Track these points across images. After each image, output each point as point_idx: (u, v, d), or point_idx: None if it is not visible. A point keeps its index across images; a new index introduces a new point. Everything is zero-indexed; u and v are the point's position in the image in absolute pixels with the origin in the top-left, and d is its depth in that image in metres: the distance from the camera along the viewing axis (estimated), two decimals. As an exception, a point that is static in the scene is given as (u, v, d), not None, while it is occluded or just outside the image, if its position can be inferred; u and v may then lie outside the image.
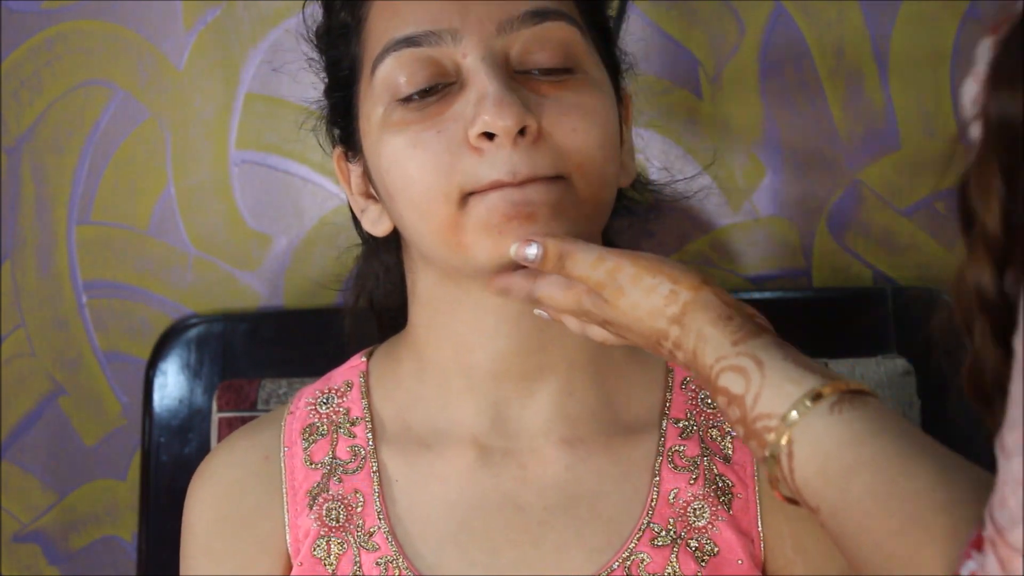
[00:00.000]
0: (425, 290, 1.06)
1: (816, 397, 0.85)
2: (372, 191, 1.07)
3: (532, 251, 0.94)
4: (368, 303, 1.18)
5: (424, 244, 1.01)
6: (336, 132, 1.11)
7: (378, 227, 1.08)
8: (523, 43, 1.00)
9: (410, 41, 1.00)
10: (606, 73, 1.05)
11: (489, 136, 0.96)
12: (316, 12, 1.12)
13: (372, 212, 1.08)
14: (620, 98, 1.08)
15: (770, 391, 0.86)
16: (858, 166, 1.45)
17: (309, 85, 1.16)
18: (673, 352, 0.92)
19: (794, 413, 0.84)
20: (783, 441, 0.84)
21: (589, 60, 1.03)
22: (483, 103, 0.96)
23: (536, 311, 1.01)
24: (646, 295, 0.92)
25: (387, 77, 1.00)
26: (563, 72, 1.01)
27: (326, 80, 1.12)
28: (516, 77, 0.99)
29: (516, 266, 0.98)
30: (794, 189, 1.46)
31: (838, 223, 1.46)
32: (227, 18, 1.48)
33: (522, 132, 0.96)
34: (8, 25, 1.50)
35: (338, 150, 1.11)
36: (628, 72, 1.14)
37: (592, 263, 0.93)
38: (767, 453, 0.85)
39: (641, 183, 1.18)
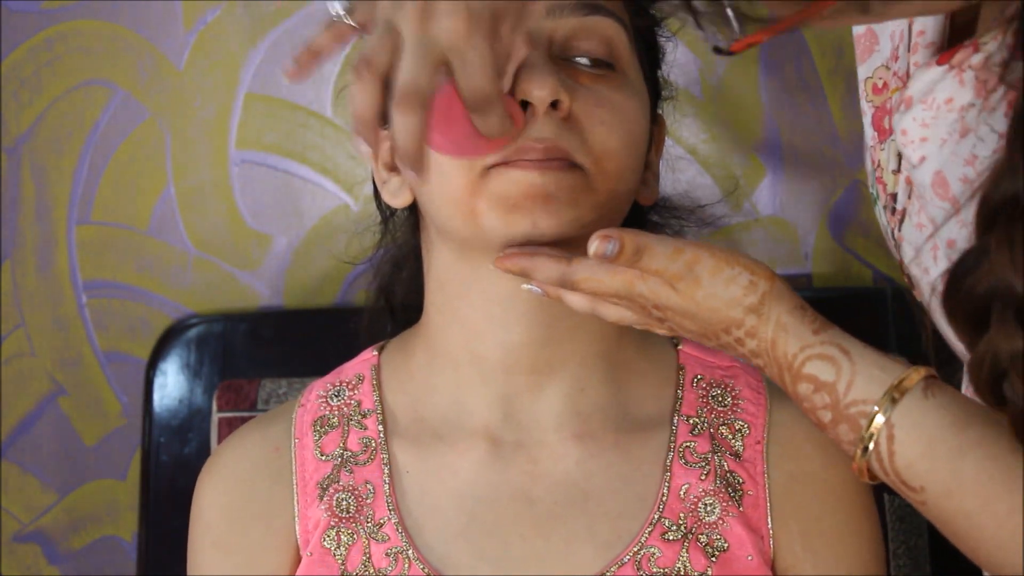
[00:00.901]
0: (439, 271, 1.06)
1: (906, 382, 0.89)
2: (396, 163, 1.06)
3: (611, 247, 0.93)
4: (385, 295, 1.18)
5: (440, 213, 1.01)
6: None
7: (398, 198, 1.08)
8: (568, 30, 1.00)
9: None
10: (645, 85, 1.05)
11: (523, 106, 0.96)
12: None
13: (393, 184, 1.08)
14: (654, 118, 1.08)
15: (862, 378, 0.90)
16: (858, 166, 1.45)
17: (310, 83, 1.16)
18: (744, 339, 0.94)
19: (889, 399, 0.89)
20: (882, 425, 0.88)
21: (630, 63, 1.03)
22: (521, 72, 0.96)
23: (525, 286, 1.00)
24: (726, 286, 0.93)
25: None
26: (603, 66, 1.01)
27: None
28: (556, 60, 0.99)
29: (522, 244, 0.98)
30: (794, 189, 1.46)
31: (838, 223, 1.46)
32: (227, 18, 1.48)
33: (554, 106, 0.96)
34: (8, 25, 1.50)
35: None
36: (669, 100, 1.14)
37: (670, 255, 0.93)
38: (864, 436, 0.89)
39: (665, 208, 1.18)
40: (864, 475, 0.91)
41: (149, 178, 1.50)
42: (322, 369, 1.15)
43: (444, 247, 1.05)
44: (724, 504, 1.04)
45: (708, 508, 1.04)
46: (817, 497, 0.96)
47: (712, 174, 1.46)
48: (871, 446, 0.89)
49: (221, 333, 1.47)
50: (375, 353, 1.13)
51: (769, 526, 1.05)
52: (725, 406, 1.08)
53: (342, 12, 0.91)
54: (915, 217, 1.00)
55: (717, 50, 0.86)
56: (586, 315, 1.04)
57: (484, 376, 1.05)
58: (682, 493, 1.04)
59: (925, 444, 0.88)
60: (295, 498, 1.07)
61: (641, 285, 0.94)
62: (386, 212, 1.15)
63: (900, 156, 1.02)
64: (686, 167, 1.45)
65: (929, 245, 0.97)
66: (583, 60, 1.01)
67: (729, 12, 0.79)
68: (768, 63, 1.45)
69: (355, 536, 1.05)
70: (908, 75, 0.99)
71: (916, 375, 0.90)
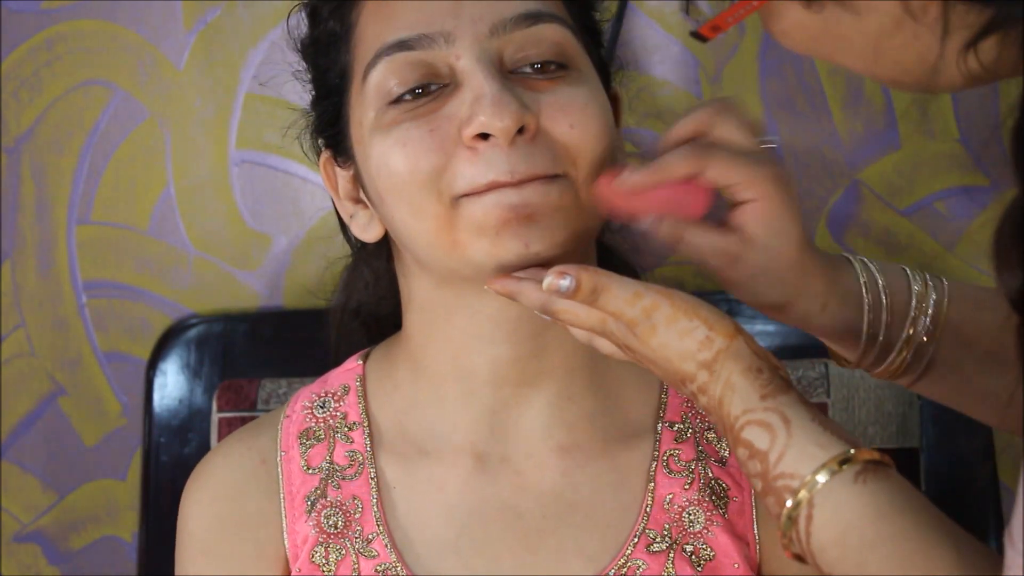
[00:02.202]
0: (420, 296, 1.05)
1: (841, 463, 0.85)
2: (362, 196, 1.06)
3: (565, 283, 0.92)
4: (356, 311, 1.17)
5: (418, 246, 1.00)
6: (322, 140, 1.10)
7: (368, 232, 1.06)
8: (516, 45, 0.99)
9: (402, 45, 0.98)
10: (596, 72, 1.05)
11: (484, 136, 0.95)
12: (301, 21, 1.11)
13: (362, 217, 1.06)
14: (610, 97, 1.08)
15: (795, 451, 0.86)
16: (858, 166, 1.45)
17: (309, 85, 1.16)
18: (696, 395, 0.91)
19: (819, 477, 0.85)
20: (803, 503, 0.85)
21: (582, 59, 1.02)
22: (480, 103, 0.95)
23: (490, 286, 0.99)
24: (680, 337, 0.90)
25: (379, 82, 0.99)
26: (557, 68, 1.00)
27: (312, 91, 1.10)
28: (510, 77, 0.98)
29: (517, 267, 0.97)
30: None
31: (838, 223, 1.46)
32: (227, 18, 1.48)
33: (520, 131, 0.95)
34: (8, 25, 1.50)
35: (325, 155, 1.09)
36: (622, 72, 1.13)
37: (628, 299, 0.91)
38: (785, 512, 0.86)
39: None
40: (787, 550, 0.87)
41: (149, 178, 1.50)
42: (322, 369, 1.15)
43: (424, 276, 1.04)
44: (709, 513, 1.04)
45: (693, 517, 1.04)
46: None
47: (712, 174, 1.46)
48: (791, 523, 0.85)
49: (221, 333, 1.47)
50: (360, 362, 1.12)
51: (755, 532, 1.04)
52: None
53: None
54: None
55: (693, 34, 0.86)
56: None
57: (470, 390, 1.04)
58: (666, 503, 1.04)
59: (839, 531, 0.84)
60: (283, 511, 1.06)
61: (611, 323, 0.93)
62: (356, 244, 1.14)
63: None
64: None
65: None
66: (536, 67, 0.99)
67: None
68: (768, 63, 1.45)
69: (343, 552, 1.04)
70: None
71: (858, 456, 0.85)
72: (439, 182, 0.96)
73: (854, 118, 1.45)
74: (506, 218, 0.95)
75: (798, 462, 0.85)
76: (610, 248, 1.13)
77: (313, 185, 1.49)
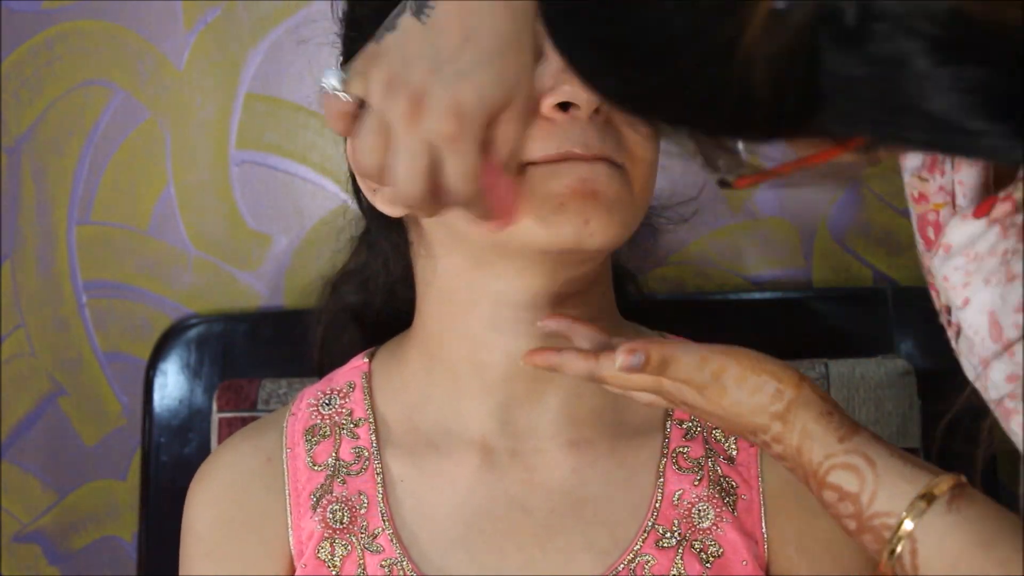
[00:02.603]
0: (442, 281, 1.03)
1: (931, 494, 0.88)
2: None
3: (637, 360, 0.92)
4: (356, 311, 1.16)
5: (460, 219, 0.97)
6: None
7: (395, 206, 1.02)
8: None
9: None
10: None
11: (564, 108, 0.95)
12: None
13: (388, 191, 1.01)
14: None
15: (886, 490, 0.89)
16: (858, 166, 1.45)
17: (310, 84, 1.16)
18: (769, 444, 0.93)
19: (914, 512, 0.87)
20: (904, 539, 0.87)
21: None
22: (564, 75, 0.93)
23: (544, 324, 1.01)
24: (751, 394, 0.92)
25: None
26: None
27: (342, 57, 1.06)
28: None
29: (568, 249, 0.96)
30: (794, 189, 1.46)
31: (838, 223, 1.46)
32: (227, 18, 1.48)
33: (597, 111, 0.95)
34: (8, 25, 1.50)
35: None
36: None
37: (696, 365, 0.93)
38: (887, 549, 0.88)
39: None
40: None
41: (149, 178, 1.50)
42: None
43: (455, 255, 1.02)
44: (718, 509, 1.04)
45: (702, 514, 1.04)
46: (812, 499, 0.95)
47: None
48: (895, 558, 0.88)
49: (221, 333, 1.47)
50: (366, 360, 1.11)
51: (763, 530, 1.04)
52: None
53: (338, 87, 0.89)
54: (964, 357, 0.96)
55: (722, 183, 0.84)
56: (590, 319, 1.03)
57: (484, 385, 1.04)
58: (676, 499, 1.04)
59: (949, 561, 0.87)
60: (288, 508, 1.06)
61: (668, 384, 0.95)
62: (370, 214, 1.11)
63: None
64: (686, 167, 1.45)
65: (980, 384, 0.93)
66: None
67: (740, 147, 0.77)
68: (768, 63, 1.45)
69: (349, 547, 1.04)
70: (953, 193, 0.95)
71: (944, 484, 0.88)
72: None
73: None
74: (574, 189, 0.94)
75: (891, 500, 0.88)
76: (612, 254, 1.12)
77: (313, 185, 1.49)
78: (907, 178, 1.01)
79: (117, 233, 1.51)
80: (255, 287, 1.50)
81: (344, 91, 0.88)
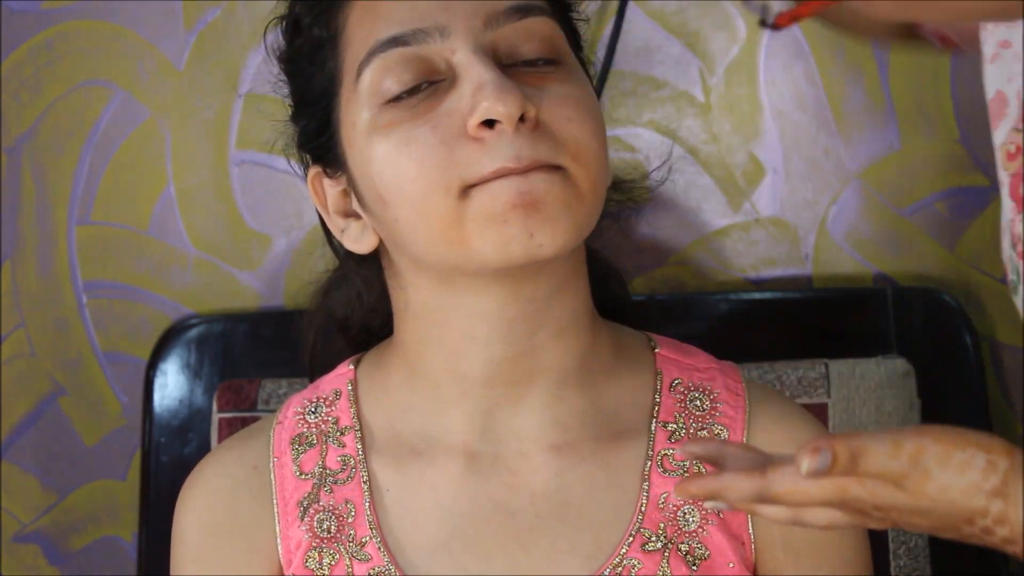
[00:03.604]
0: (416, 304, 1.04)
1: None
2: (354, 207, 1.05)
3: (823, 461, 0.81)
4: (343, 323, 1.16)
5: (421, 246, 0.99)
6: (309, 154, 1.09)
7: (362, 243, 1.05)
8: (508, 38, 0.99)
9: (397, 41, 0.98)
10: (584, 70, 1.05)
11: (489, 125, 0.95)
12: (278, 37, 1.09)
13: (354, 229, 1.06)
14: None
15: None
16: (858, 166, 1.45)
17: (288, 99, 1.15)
18: (992, 529, 0.82)
19: None
20: None
21: (570, 56, 1.03)
22: (482, 91, 0.95)
23: (710, 504, 0.89)
24: (960, 473, 0.81)
25: (374, 80, 0.99)
26: (549, 64, 1.00)
27: (292, 105, 1.09)
28: (505, 70, 0.98)
29: (523, 263, 0.96)
30: (794, 189, 1.46)
31: (838, 223, 1.46)
32: (227, 18, 1.48)
33: (522, 119, 0.95)
34: (8, 25, 1.50)
35: (314, 170, 1.08)
36: (620, 71, 1.13)
37: (890, 453, 0.82)
38: None
39: (620, 184, 1.17)
40: None
41: (149, 178, 1.50)
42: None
43: (423, 279, 1.03)
44: (703, 512, 1.04)
45: (687, 516, 1.04)
46: None
47: (712, 174, 1.46)
48: None
49: (221, 333, 1.47)
50: (351, 367, 1.11)
51: (750, 531, 1.04)
52: (703, 410, 1.07)
53: None
54: None
55: (763, 22, 0.79)
56: (565, 324, 1.03)
57: (464, 392, 1.04)
58: (661, 502, 1.04)
59: None
60: (276, 517, 1.06)
61: (856, 488, 0.83)
62: (342, 253, 1.13)
63: None
64: (686, 167, 1.45)
65: None
66: (527, 63, 0.99)
67: None
68: (768, 63, 1.45)
69: (337, 556, 1.04)
70: None
71: None
72: (446, 177, 0.96)
73: (855, 118, 1.45)
74: (513, 203, 0.95)
75: None
76: (594, 252, 1.12)
77: (313, 185, 1.49)
78: (1000, 140, 0.91)
79: (117, 233, 1.51)
80: (255, 287, 1.50)
81: None
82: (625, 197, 1.17)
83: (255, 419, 1.17)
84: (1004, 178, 0.90)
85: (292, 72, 1.09)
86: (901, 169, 1.45)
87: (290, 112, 1.10)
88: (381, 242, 1.05)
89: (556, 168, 0.96)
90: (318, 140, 1.06)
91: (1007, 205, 0.90)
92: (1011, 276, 0.93)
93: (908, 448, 0.82)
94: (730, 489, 0.85)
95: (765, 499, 0.84)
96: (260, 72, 1.48)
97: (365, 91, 1.00)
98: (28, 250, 1.52)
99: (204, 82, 1.49)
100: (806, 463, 0.81)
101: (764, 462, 0.86)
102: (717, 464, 0.89)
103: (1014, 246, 0.91)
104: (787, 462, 0.84)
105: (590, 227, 1.01)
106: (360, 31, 1.01)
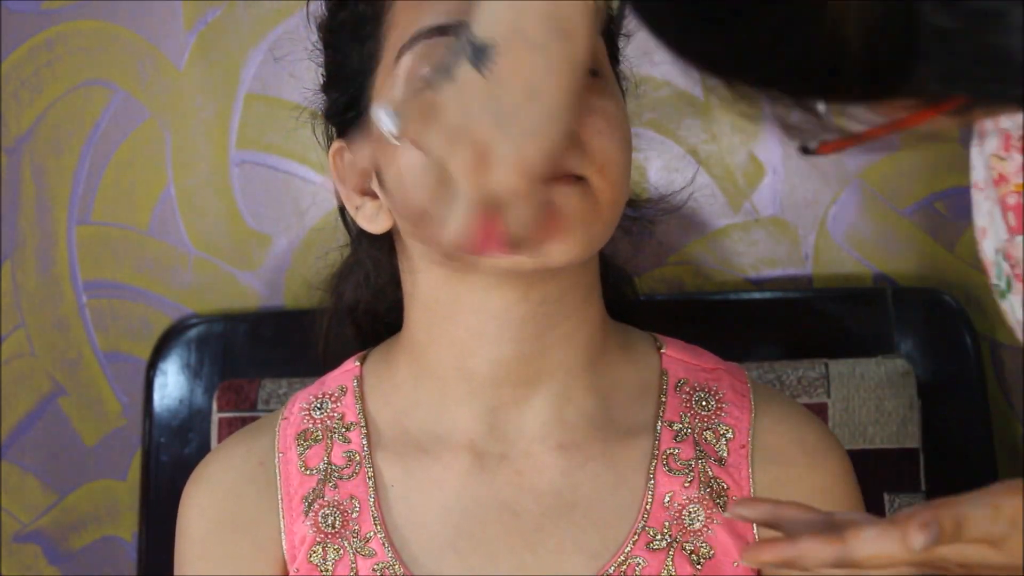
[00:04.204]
0: (425, 293, 1.05)
1: None
2: (372, 187, 1.05)
3: (934, 533, 0.80)
4: (350, 309, 1.16)
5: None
6: (334, 127, 1.09)
7: (375, 223, 1.06)
8: None
9: (442, 30, 0.98)
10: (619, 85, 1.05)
11: None
12: (321, 5, 1.10)
13: (369, 209, 1.05)
14: None
15: None
16: (858, 166, 1.45)
17: (311, 83, 1.15)
18: None
19: None
20: None
21: (608, 68, 1.03)
22: None
23: (742, 515, 0.92)
24: None
25: (413, 66, 0.99)
26: (589, 74, 1.00)
27: (324, 75, 1.10)
28: None
29: (530, 268, 0.96)
30: (794, 189, 1.46)
31: (838, 223, 1.46)
32: (227, 18, 1.48)
33: None
34: (8, 25, 1.50)
35: (337, 144, 1.08)
36: (627, 93, 1.13)
37: (991, 517, 0.81)
38: None
39: (636, 201, 1.17)
40: None
41: (149, 178, 1.50)
42: (322, 370, 1.15)
43: (432, 270, 1.03)
44: (708, 511, 1.04)
45: (692, 515, 1.04)
46: (803, 500, 0.94)
47: (712, 174, 1.46)
48: None
49: (221, 333, 1.47)
50: (357, 364, 1.11)
51: (755, 531, 1.04)
52: (709, 410, 1.07)
53: (392, 129, 0.87)
54: None
55: (804, 150, 0.79)
56: (575, 326, 1.03)
57: (472, 390, 1.04)
58: (666, 501, 1.04)
59: None
60: (280, 512, 1.06)
61: (946, 551, 0.82)
62: (356, 234, 1.13)
63: None
64: (686, 167, 1.45)
65: None
66: None
67: (823, 109, 0.74)
68: (768, 63, 1.45)
69: (341, 552, 1.04)
70: None
71: None
72: None
73: (854, 118, 1.45)
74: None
75: None
76: (606, 255, 1.12)
77: (313, 185, 1.49)
78: (981, 161, 0.92)
79: (117, 233, 1.51)
80: (255, 287, 1.50)
81: (397, 134, 0.87)
82: (638, 215, 1.17)
83: (255, 419, 1.18)
84: (977, 202, 0.91)
85: (330, 43, 1.09)
86: (901, 169, 1.45)
87: (321, 81, 1.10)
88: (395, 225, 1.05)
89: (578, 179, 0.97)
90: (346, 115, 1.06)
91: (997, 224, 0.90)
92: (995, 280, 0.93)
93: (1007, 511, 0.81)
94: (807, 557, 0.82)
95: (845, 564, 0.82)
96: (260, 72, 1.48)
97: (402, 75, 1.00)
98: (28, 250, 1.52)
99: (204, 82, 1.49)
100: (920, 540, 0.79)
101: (830, 521, 0.84)
102: (775, 527, 0.87)
103: (998, 252, 0.91)
104: (861, 523, 0.82)
105: (604, 240, 1.01)
106: (405, 15, 1.01)
